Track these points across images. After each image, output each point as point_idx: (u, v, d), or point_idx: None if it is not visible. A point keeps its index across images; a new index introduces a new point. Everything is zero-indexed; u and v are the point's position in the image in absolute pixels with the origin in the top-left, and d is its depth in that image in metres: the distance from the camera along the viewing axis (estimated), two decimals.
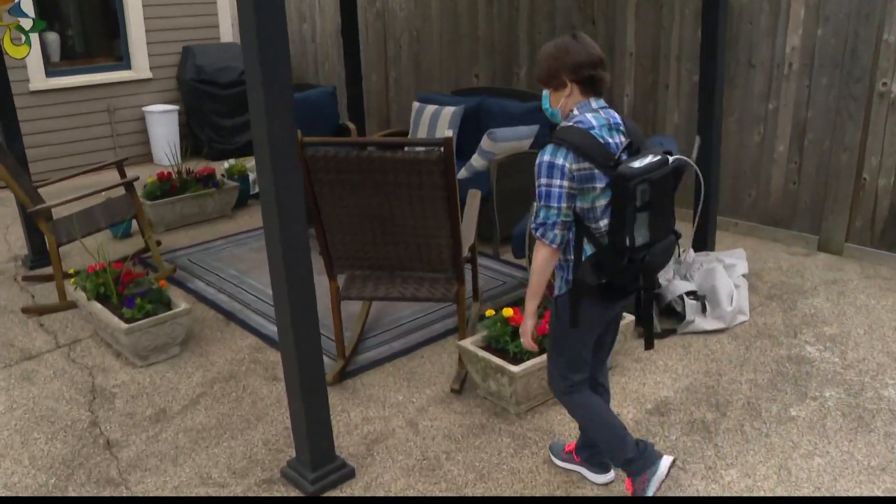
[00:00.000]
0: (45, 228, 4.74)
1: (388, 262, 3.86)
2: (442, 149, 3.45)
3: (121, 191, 5.30)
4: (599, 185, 2.56)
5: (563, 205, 2.52)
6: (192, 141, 9.27)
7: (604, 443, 2.94)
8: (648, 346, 2.92)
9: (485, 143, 5.51)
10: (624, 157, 2.57)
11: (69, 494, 3.23)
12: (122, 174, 5.48)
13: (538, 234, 2.57)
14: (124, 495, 3.20)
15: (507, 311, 3.75)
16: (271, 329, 4.53)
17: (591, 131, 2.54)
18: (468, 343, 3.77)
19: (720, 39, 4.91)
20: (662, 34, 6.13)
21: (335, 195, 3.65)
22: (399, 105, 8.55)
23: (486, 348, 3.75)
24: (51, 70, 8.40)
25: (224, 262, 5.67)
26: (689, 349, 4.24)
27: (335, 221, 3.75)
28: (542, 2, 6.89)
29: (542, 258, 2.60)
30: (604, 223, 2.61)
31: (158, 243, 5.83)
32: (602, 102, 2.63)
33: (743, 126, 5.84)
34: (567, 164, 2.49)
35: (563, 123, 2.61)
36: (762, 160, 5.80)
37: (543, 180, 2.53)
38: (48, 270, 5.66)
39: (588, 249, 2.65)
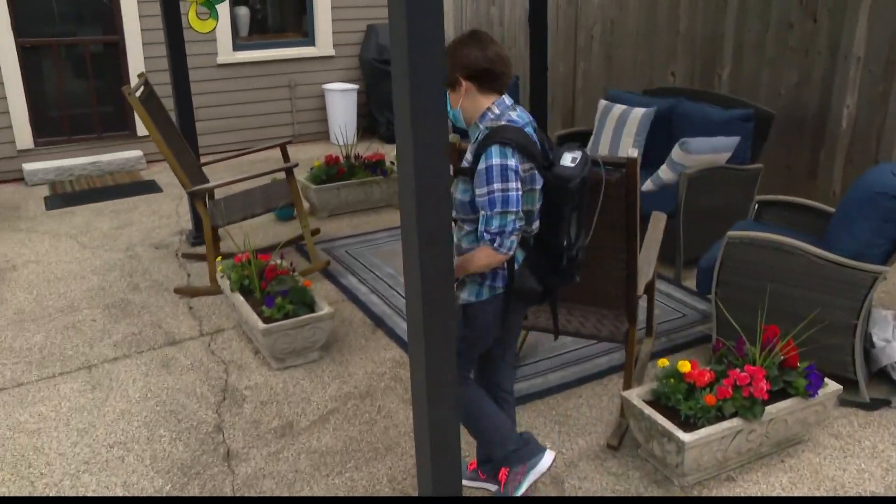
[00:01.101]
0: (202, 210, 4.61)
1: (569, 291, 3.35)
2: (624, 170, 2.89)
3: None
4: (538, 186, 2.50)
5: (519, 209, 2.39)
6: (370, 121, 9.13)
7: (484, 435, 2.81)
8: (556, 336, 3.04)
9: (676, 153, 4.85)
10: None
11: None
12: (285, 157, 5.30)
13: (494, 244, 2.40)
14: None
15: (684, 366, 3.15)
16: None
17: (525, 129, 2.43)
18: (633, 395, 3.20)
19: None
20: None
21: None
22: (585, 99, 7.96)
23: (654, 403, 3.17)
24: (238, 43, 8.48)
25: (382, 259, 5.36)
26: None
27: None
28: None
29: (488, 264, 2.46)
30: (535, 226, 2.57)
31: (317, 231, 5.63)
32: (510, 100, 2.51)
33: None
34: (519, 166, 2.38)
35: (492, 123, 2.45)
36: None
37: (498, 185, 2.36)
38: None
39: (519, 255, 2.57)
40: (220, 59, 8.25)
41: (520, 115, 2.48)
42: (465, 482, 3.03)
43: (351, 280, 5.00)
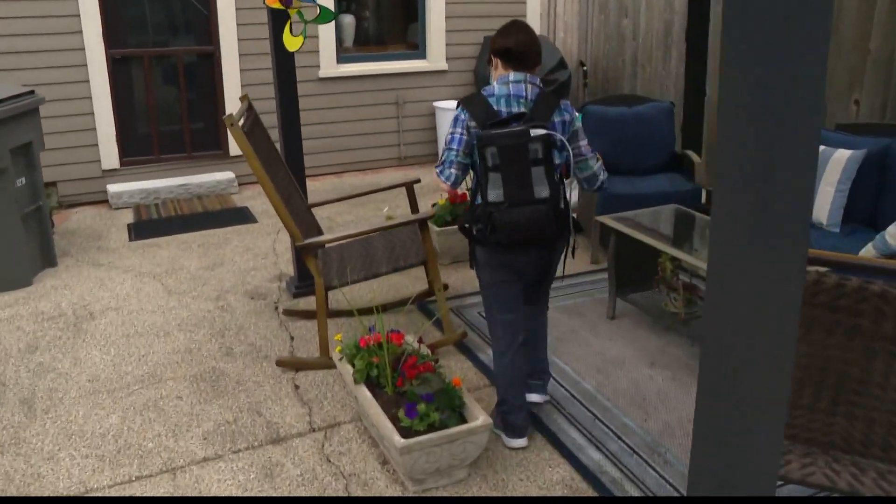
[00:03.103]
0: (314, 268, 3.73)
1: (839, 439, 2.33)
2: None
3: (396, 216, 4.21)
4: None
5: (459, 148, 3.02)
6: None
7: (496, 373, 3.34)
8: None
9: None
10: (515, 124, 2.92)
11: None
12: (413, 201, 4.39)
13: (437, 170, 3.09)
14: None
15: None
16: (594, 457, 3.19)
17: (490, 98, 3.00)
18: None
19: None
20: None
21: None
22: None
23: None
24: (342, 55, 7.66)
25: None
26: None
27: None
28: None
29: (437, 184, 3.16)
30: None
31: (445, 287, 4.70)
32: (519, 76, 3.01)
33: None
34: (464, 118, 3.01)
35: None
36: None
37: (448, 129, 3.06)
38: (314, 301, 4.74)
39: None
40: (323, 72, 7.44)
41: (500, 88, 3.01)
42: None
43: (490, 354, 4.05)
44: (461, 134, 3.00)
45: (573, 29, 8.64)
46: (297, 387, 3.79)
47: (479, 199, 3.03)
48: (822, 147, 4.60)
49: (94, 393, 3.78)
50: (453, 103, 7.77)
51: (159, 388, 3.82)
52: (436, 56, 7.96)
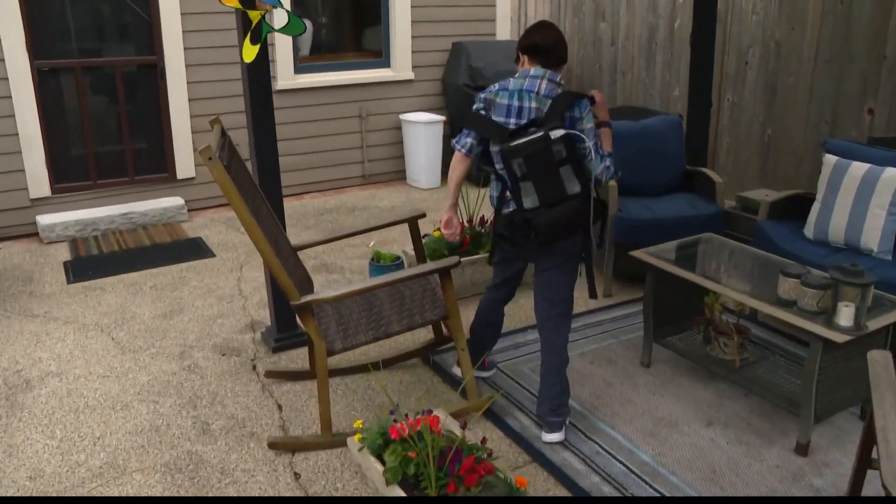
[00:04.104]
0: (314, 331, 3.04)
1: None
2: None
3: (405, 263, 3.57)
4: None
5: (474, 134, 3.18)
6: None
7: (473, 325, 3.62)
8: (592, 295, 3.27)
9: None
10: (533, 129, 2.97)
11: None
12: (417, 240, 3.73)
13: (454, 141, 3.21)
14: None
15: None
16: None
17: (502, 92, 3.09)
18: None
19: None
20: None
21: None
22: (731, 138, 6.40)
23: None
24: (300, 65, 6.93)
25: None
26: None
27: None
28: None
29: (454, 159, 3.23)
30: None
31: (442, 341, 4.04)
32: (539, 72, 3.05)
33: None
34: (479, 105, 3.15)
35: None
36: None
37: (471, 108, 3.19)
38: (297, 356, 4.03)
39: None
40: (280, 83, 6.70)
41: (516, 82, 3.08)
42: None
43: (523, 420, 3.43)
44: (478, 111, 3.16)
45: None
46: (297, 475, 3.10)
47: (510, 206, 3.11)
48: (865, 166, 4.13)
49: (38, 494, 3.01)
50: (421, 115, 7.16)
51: (123, 483, 3.07)
52: (401, 64, 7.30)
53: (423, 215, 3.73)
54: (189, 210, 6.49)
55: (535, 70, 3.06)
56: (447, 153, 7.48)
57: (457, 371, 3.74)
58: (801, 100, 5.84)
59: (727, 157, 6.48)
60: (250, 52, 3.60)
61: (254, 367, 3.96)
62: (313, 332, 3.05)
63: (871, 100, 5.41)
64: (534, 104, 3.02)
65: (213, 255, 5.56)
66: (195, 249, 5.68)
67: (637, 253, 3.82)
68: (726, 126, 6.46)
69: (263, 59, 3.78)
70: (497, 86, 3.12)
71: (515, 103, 3.04)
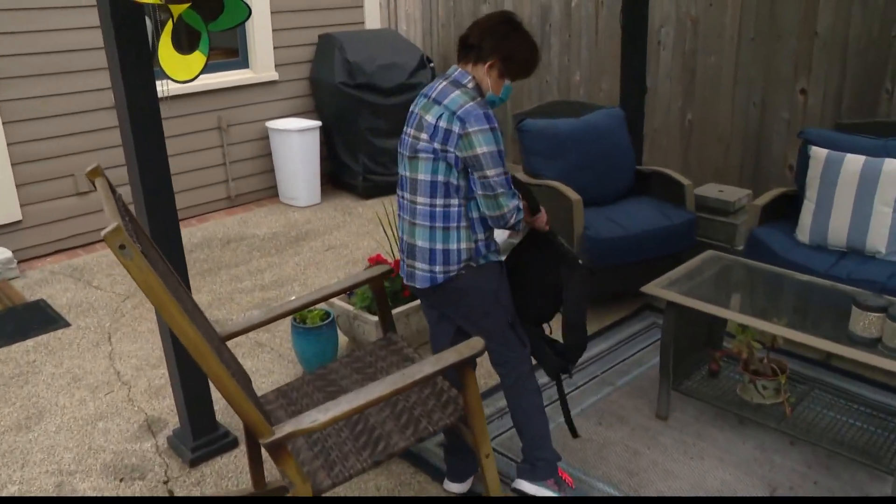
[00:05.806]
0: (295, 472, 2.08)
1: None
2: None
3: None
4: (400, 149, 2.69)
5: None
6: (334, 169, 6.61)
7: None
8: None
9: None
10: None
11: None
12: (384, 304, 2.82)
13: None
14: None
15: None
16: None
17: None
18: None
19: None
20: None
21: None
22: (648, 127, 5.88)
23: None
24: None
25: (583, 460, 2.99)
26: None
27: None
28: None
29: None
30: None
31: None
32: (451, 70, 2.53)
33: None
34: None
35: None
36: None
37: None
38: (229, 467, 3.01)
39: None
40: None
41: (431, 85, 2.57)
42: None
43: None
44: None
45: (416, 20, 7.25)
46: None
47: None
48: (862, 158, 3.65)
49: None
50: (291, 122, 6.17)
51: None
52: (262, 64, 6.22)
53: (391, 272, 2.82)
54: (18, 262, 5.13)
55: (451, 70, 2.56)
56: (326, 163, 6.54)
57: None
58: (724, 82, 5.38)
59: (644, 145, 5.95)
60: (187, 66, 2.58)
61: (170, 494, 2.90)
62: (295, 475, 2.09)
63: (802, 79, 5.02)
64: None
65: (67, 324, 4.32)
66: (40, 318, 4.41)
67: (650, 288, 3.12)
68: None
69: (147, 66, 2.74)
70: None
71: (415, 109, 2.63)
